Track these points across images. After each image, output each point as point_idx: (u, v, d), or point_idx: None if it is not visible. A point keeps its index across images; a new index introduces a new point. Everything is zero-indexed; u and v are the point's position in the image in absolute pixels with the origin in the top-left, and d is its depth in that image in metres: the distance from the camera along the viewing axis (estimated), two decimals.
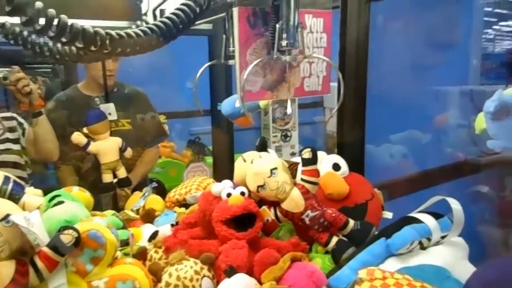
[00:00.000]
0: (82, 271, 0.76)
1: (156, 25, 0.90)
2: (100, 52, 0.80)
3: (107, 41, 0.78)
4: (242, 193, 1.07)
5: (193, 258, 1.00)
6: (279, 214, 1.09)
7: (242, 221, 1.03)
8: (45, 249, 0.72)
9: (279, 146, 4.76)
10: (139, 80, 2.35)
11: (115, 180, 1.69)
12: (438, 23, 2.78)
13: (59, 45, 1.01)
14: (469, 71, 3.33)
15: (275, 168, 1.06)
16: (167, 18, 0.92)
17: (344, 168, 1.21)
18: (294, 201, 1.05)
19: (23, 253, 0.74)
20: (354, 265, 0.92)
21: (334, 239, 1.05)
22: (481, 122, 0.94)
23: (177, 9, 0.93)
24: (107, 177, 1.67)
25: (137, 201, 1.55)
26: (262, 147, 1.28)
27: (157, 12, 1.41)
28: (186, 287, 0.94)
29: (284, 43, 1.00)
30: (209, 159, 3.41)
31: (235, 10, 1.00)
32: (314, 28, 1.12)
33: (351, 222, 1.06)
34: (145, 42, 0.85)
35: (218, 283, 0.96)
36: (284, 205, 1.07)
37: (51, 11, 0.67)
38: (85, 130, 1.62)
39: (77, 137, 1.59)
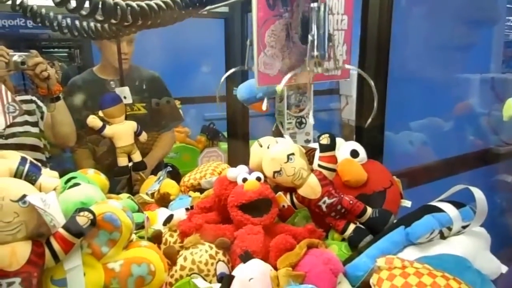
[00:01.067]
0: (97, 253, 0.76)
1: None
2: (121, 25, 0.78)
3: (128, 13, 0.76)
4: (258, 178, 1.05)
5: (208, 242, 1.00)
6: (295, 200, 1.07)
7: (258, 206, 1.02)
8: (61, 231, 0.72)
9: (294, 133, 4.74)
10: (153, 64, 2.33)
11: (130, 164, 1.69)
12: (461, 9, 2.69)
13: (77, 22, 0.99)
14: (491, 58, 3.24)
15: (292, 154, 1.04)
16: None
17: (362, 155, 1.19)
18: (311, 187, 1.04)
19: (40, 235, 0.74)
20: (372, 253, 0.91)
21: (351, 227, 1.03)
22: (509, 108, 0.90)
23: None
24: (122, 161, 1.67)
25: (152, 185, 1.56)
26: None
27: None
28: (201, 271, 0.93)
29: (315, 54, 0.98)
30: (224, 145, 3.40)
31: None
32: (335, 9, 1.08)
33: (369, 210, 1.04)
34: (166, 15, 0.83)
35: (233, 267, 0.96)
36: (301, 191, 1.05)
37: None
38: (100, 113, 1.62)
39: (93, 120, 1.59)
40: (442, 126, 2.45)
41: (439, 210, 0.96)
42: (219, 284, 0.88)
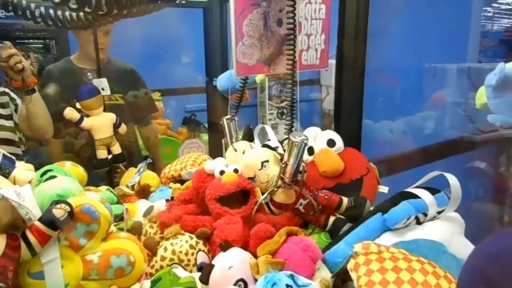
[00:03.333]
0: (75, 245, 0.75)
1: None
2: (96, 14, 0.77)
3: (103, 2, 0.74)
4: (235, 170, 1.06)
5: (188, 233, 1.00)
6: (272, 207, 1.07)
7: (236, 198, 1.03)
8: (37, 223, 0.71)
9: (275, 124, 4.74)
10: (132, 56, 2.31)
11: (109, 156, 1.67)
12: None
13: (51, 11, 0.97)
14: (468, 48, 3.30)
15: (267, 161, 1.05)
16: None
17: (339, 144, 1.20)
18: (285, 193, 1.04)
19: (15, 228, 0.73)
20: (350, 240, 0.92)
21: (331, 219, 1.05)
22: (481, 96, 0.92)
23: None
24: (102, 153, 1.64)
25: (132, 177, 1.54)
26: (248, 136, 1.26)
27: None
28: (181, 261, 0.94)
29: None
30: (205, 136, 3.39)
31: None
32: None
33: (345, 200, 1.05)
34: (142, 4, 0.82)
35: (213, 257, 0.96)
36: (276, 198, 1.05)
37: None
38: (78, 105, 1.59)
39: (70, 113, 1.56)
40: (420, 115, 2.50)
41: (415, 196, 0.98)
42: (199, 273, 0.88)
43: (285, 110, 3.80)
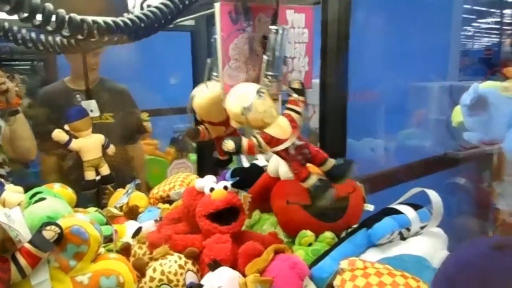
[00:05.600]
0: (65, 267, 0.76)
1: (144, 14, 0.90)
2: (87, 40, 0.80)
3: (95, 30, 0.77)
4: (225, 187, 1.08)
5: (177, 253, 1.01)
6: (261, 140, 0.98)
7: (226, 215, 1.04)
8: (27, 245, 0.72)
9: (256, 159, 4.77)
10: (122, 77, 2.34)
11: (98, 178, 1.67)
12: (418, 19, 2.83)
13: (42, 36, 0.99)
14: (448, 67, 3.40)
15: (262, 91, 0.98)
16: (156, 7, 0.92)
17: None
18: (281, 126, 0.99)
19: (4, 250, 0.73)
20: (336, 255, 0.94)
21: (313, 177, 1.00)
22: (457, 115, 0.96)
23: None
24: (90, 175, 1.65)
25: (120, 198, 1.55)
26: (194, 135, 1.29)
27: (145, 6, 1.40)
28: (170, 281, 0.94)
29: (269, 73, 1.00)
30: (193, 156, 3.40)
31: (217, 6, 1.01)
32: (296, 23, 1.13)
33: (332, 160, 1.04)
34: (132, 32, 0.85)
35: (202, 276, 0.97)
36: (269, 130, 0.98)
37: (36, 0, 0.67)
38: (66, 127, 1.60)
39: (58, 134, 1.57)
40: (403, 133, 2.56)
41: (399, 212, 1.01)
42: None
43: None
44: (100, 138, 1.67)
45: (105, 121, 2.01)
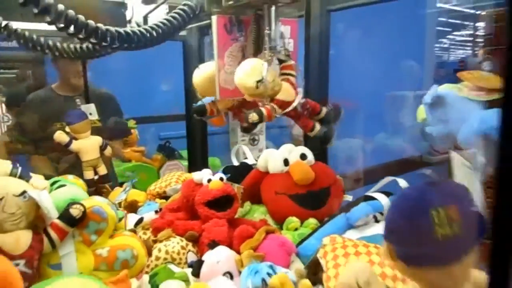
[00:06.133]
0: (87, 241, 0.88)
1: (157, 25, 1.03)
2: (109, 47, 0.93)
3: (116, 37, 0.90)
4: (221, 179, 1.21)
5: (179, 236, 1.13)
6: (275, 106, 1.13)
7: (222, 202, 1.17)
8: (57, 221, 0.83)
9: (246, 158, 4.89)
10: (113, 85, 2.44)
11: (96, 177, 1.77)
12: (394, 32, 3.02)
13: (58, 43, 1.11)
14: (423, 77, 3.60)
15: (264, 64, 1.09)
16: (167, 19, 1.05)
17: (310, 157, 1.37)
18: (287, 90, 1.15)
19: (34, 227, 0.85)
20: (318, 236, 1.08)
21: (318, 126, 1.22)
22: (421, 112, 1.12)
23: (176, 12, 1.07)
24: (89, 174, 1.75)
25: (118, 195, 1.65)
26: None
27: (141, 19, 1.53)
28: (174, 260, 1.07)
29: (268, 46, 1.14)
30: (184, 162, 3.50)
31: (214, 18, 1.15)
32: (283, 34, 1.28)
33: (324, 109, 1.24)
34: (147, 39, 0.98)
35: (201, 257, 1.09)
36: (280, 96, 1.13)
37: (71, 11, 0.80)
38: (67, 129, 1.71)
39: (60, 136, 1.67)
40: (380, 136, 2.73)
41: (373, 198, 1.16)
42: (191, 269, 1.01)
43: (256, 137, 3.99)
44: (98, 139, 1.78)
45: (93, 124, 2.12)
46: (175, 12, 1.05)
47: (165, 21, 1.02)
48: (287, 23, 1.29)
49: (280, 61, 1.20)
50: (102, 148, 1.80)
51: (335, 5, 1.45)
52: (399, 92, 3.07)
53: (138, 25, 1.07)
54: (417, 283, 0.54)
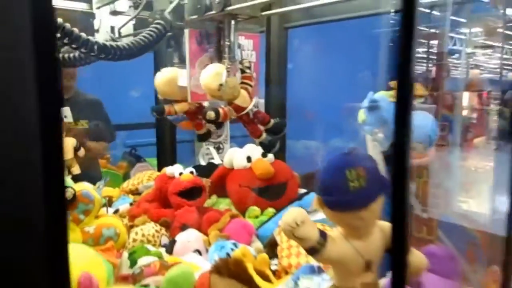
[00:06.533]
0: (76, 220, 1.01)
1: (136, 41, 1.19)
2: (97, 57, 1.08)
3: (117, 51, 1.06)
4: (191, 172, 1.37)
5: (154, 222, 1.28)
6: (231, 109, 1.27)
7: (192, 193, 1.33)
8: None
9: (212, 159, 5.04)
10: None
11: (69, 177, 1.88)
12: (349, 48, 3.28)
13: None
14: (376, 90, 3.89)
15: (228, 71, 1.24)
16: (144, 36, 1.21)
17: (270, 156, 1.55)
18: (244, 96, 1.28)
19: None
20: (276, 220, 1.26)
21: (264, 134, 1.34)
22: (361, 114, 1.34)
23: (150, 30, 1.23)
24: None
25: None
26: None
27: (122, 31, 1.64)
28: (149, 241, 1.21)
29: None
30: (154, 161, 3.60)
31: (186, 31, 1.32)
32: (246, 47, 1.46)
33: (272, 121, 1.37)
34: (128, 53, 1.13)
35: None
36: (238, 101, 1.27)
37: (68, 25, 0.95)
38: None
39: None
40: (334, 140, 2.97)
41: None
42: (164, 249, 1.16)
43: (221, 145, 4.16)
44: (72, 141, 1.89)
45: (81, 126, 2.23)
46: (150, 30, 1.21)
47: (143, 37, 1.18)
48: (250, 37, 1.47)
49: (242, 71, 1.37)
50: (76, 149, 1.92)
51: (292, 23, 1.66)
52: (354, 103, 3.32)
53: (112, 38, 1.23)
54: (340, 226, 0.72)
